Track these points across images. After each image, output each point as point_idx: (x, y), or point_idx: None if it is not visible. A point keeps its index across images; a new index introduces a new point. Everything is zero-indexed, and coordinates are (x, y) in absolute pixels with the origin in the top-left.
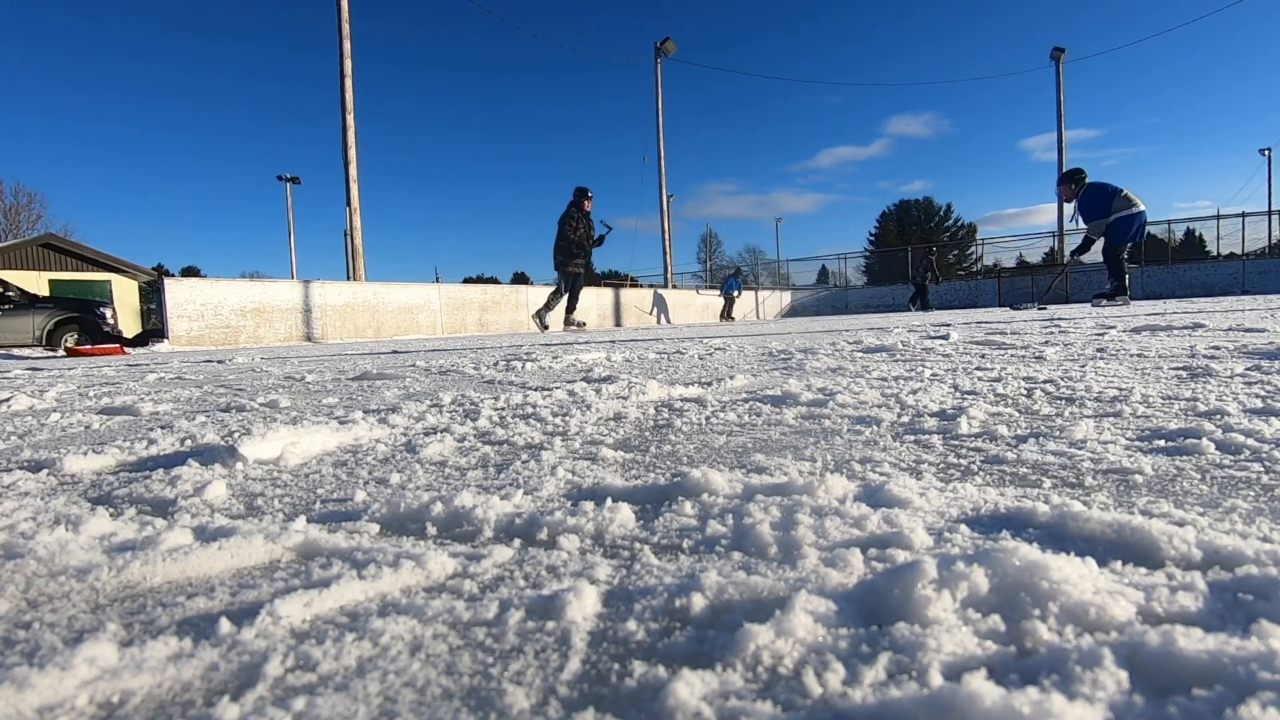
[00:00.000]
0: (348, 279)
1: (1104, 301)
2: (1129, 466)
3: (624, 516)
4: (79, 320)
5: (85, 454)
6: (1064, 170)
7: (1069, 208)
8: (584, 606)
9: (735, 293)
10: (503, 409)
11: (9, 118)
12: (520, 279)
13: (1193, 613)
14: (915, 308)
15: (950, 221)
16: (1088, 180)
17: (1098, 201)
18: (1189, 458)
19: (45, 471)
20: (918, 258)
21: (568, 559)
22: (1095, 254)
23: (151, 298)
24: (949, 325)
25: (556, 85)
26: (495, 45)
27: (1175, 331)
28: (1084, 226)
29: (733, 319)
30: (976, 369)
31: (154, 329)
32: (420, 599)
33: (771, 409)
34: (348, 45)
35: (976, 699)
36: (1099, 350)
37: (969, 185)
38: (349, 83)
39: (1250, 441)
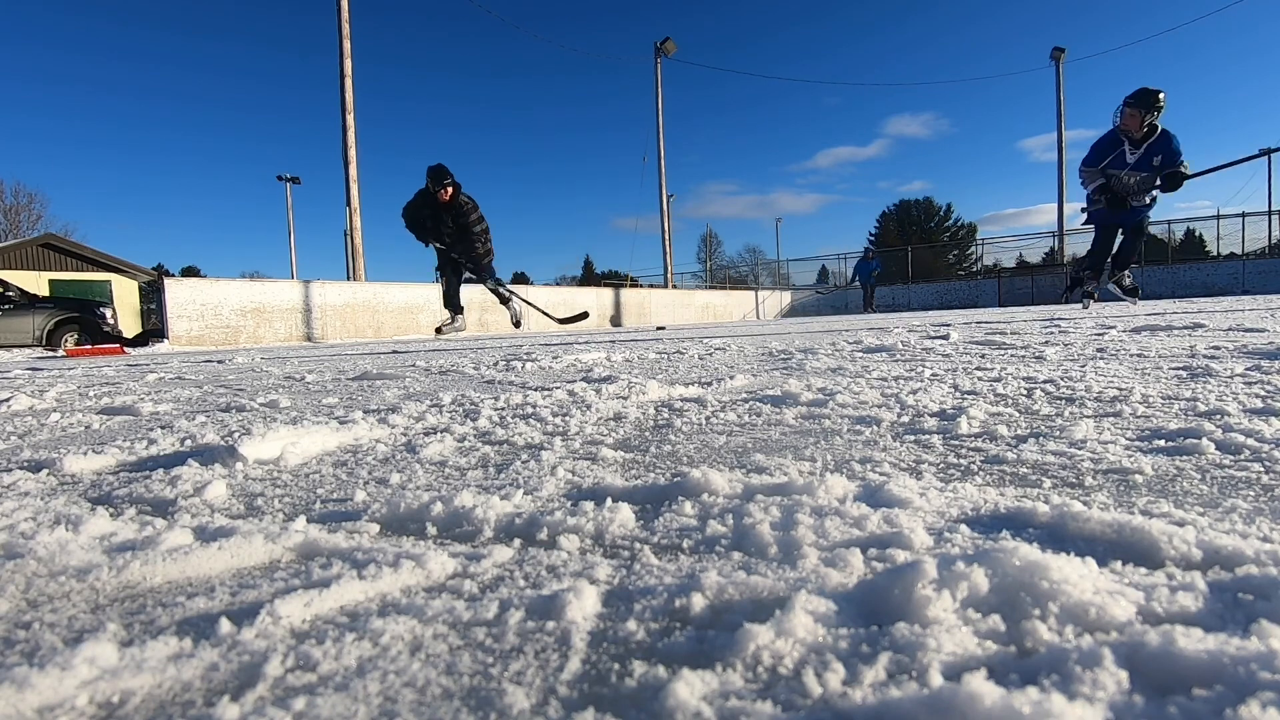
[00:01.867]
0: (348, 279)
1: (1134, 297)
2: (1129, 466)
3: (624, 516)
4: (79, 320)
5: (85, 454)
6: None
7: (1127, 149)
8: (584, 606)
9: (873, 276)
10: (503, 409)
11: (9, 118)
12: (520, 279)
13: (1193, 613)
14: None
15: (950, 221)
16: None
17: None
18: (1189, 458)
19: (45, 471)
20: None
21: (568, 559)
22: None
23: (151, 298)
24: (949, 325)
25: (556, 85)
26: (495, 45)
27: (1175, 331)
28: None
29: (874, 308)
30: (976, 369)
31: (154, 329)
32: (420, 599)
33: (771, 409)
34: (348, 45)
35: (976, 699)
36: (1099, 350)
37: (969, 185)
38: (349, 83)
39: (1250, 441)
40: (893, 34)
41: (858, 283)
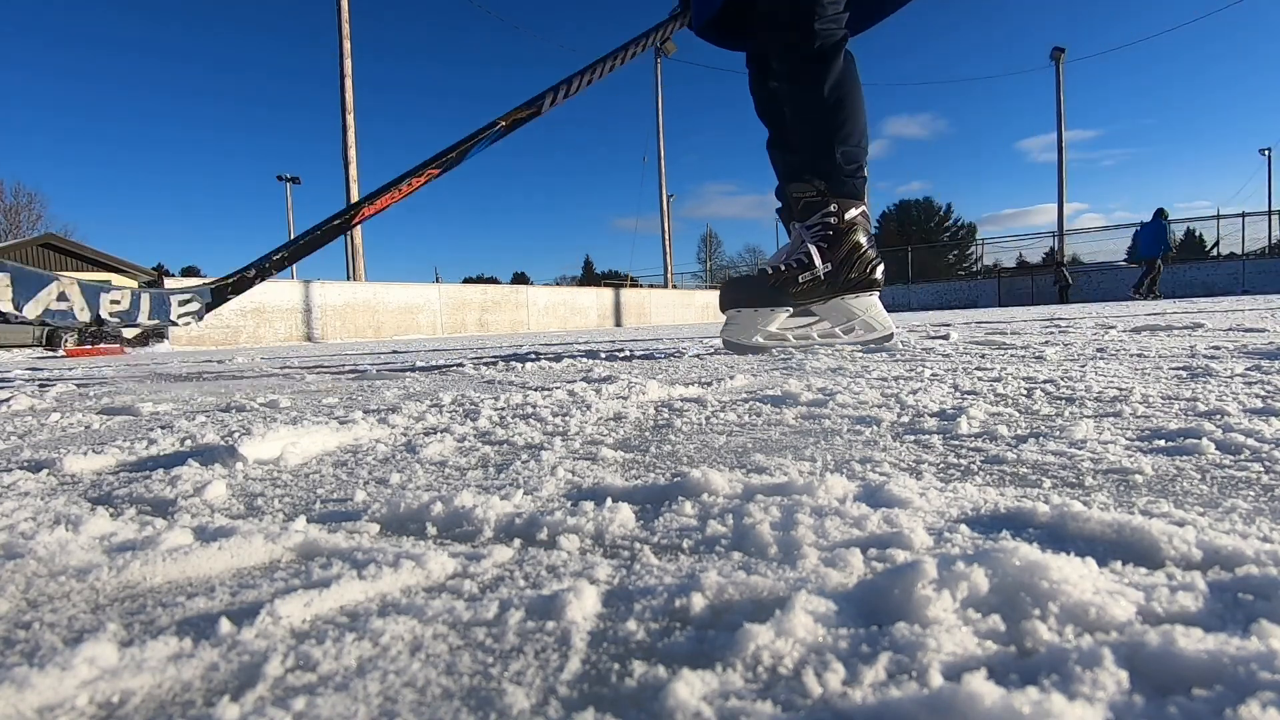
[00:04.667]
0: (348, 279)
1: None
2: (1129, 466)
3: (624, 516)
4: None
5: (85, 454)
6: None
7: None
8: (584, 606)
9: (1168, 251)
10: (503, 409)
11: (9, 116)
12: (520, 279)
13: (1193, 613)
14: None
15: (950, 222)
16: None
17: None
18: (1189, 458)
19: (45, 471)
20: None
21: (568, 559)
22: None
23: None
24: (949, 325)
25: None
26: (495, 43)
27: (1175, 331)
28: None
29: (1156, 294)
30: (976, 369)
31: (154, 329)
32: (420, 599)
33: (771, 409)
34: (347, 45)
35: (976, 699)
36: (1099, 350)
37: (968, 185)
38: (349, 82)
39: (1250, 441)
40: (891, 34)
41: (1166, 254)
